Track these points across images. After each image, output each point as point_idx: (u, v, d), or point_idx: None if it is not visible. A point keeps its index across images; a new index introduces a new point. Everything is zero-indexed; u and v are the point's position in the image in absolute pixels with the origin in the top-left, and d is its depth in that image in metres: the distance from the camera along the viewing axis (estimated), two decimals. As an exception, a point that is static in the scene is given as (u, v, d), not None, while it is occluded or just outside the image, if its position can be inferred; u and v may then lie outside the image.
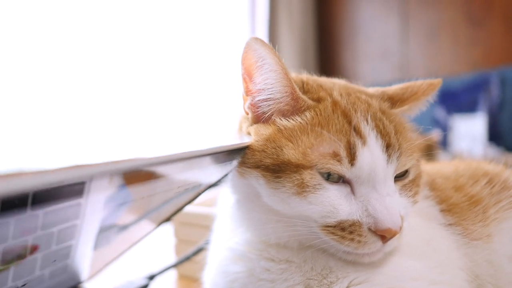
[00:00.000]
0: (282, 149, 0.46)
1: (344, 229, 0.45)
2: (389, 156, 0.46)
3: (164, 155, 0.38)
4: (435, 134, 1.89)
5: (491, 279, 0.52)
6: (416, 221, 0.53)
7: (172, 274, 0.85)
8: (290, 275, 0.48)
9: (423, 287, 0.46)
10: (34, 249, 0.41)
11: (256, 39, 0.46)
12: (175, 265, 0.78)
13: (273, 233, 0.51)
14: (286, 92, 0.48)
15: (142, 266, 0.81)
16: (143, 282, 0.74)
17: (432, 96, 0.57)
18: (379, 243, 0.45)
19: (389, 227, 0.44)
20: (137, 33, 2.08)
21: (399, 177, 0.49)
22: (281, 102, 0.49)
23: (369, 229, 0.44)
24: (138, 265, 0.83)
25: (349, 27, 3.42)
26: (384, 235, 0.44)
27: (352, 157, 0.44)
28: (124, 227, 0.59)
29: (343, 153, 0.44)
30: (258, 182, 0.48)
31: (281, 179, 0.45)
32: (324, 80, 0.54)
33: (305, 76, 0.55)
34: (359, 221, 0.44)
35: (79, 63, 1.78)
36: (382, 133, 0.46)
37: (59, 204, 0.36)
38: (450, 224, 0.54)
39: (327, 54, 3.51)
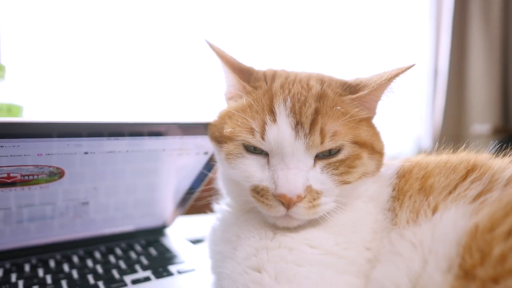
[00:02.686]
0: (224, 125, 0.58)
1: (258, 193, 0.53)
2: (297, 133, 0.51)
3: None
4: None
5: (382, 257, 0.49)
6: (359, 204, 0.56)
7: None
8: (231, 228, 0.60)
9: (316, 254, 0.50)
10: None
11: (208, 42, 0.60)
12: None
13: (232, 196, 0.64)
14: (232, 80, 0.61)
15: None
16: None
17: (399, 80, 0.56)
18: (281, 208, 0.51)
19: (284, 193, 0.50)
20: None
21: (326, 156, 0.53)
22: (231, 87, 0.62)
23: (273, 194, 0.51)
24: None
25: None
26: (282, 201, 0.50)
27: (263, 132, 0.52)
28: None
29: (257, 128, 0.53)
30: (214, 150, 0.62)
31: (221, 148, 0.58)
32: (283, 72, 0.62)
33: (271, 68, 0.64)
34: (266, 187, 0.52)
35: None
36: (295, 113, 0.52)
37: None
38: (389, 210, 0.53)
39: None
